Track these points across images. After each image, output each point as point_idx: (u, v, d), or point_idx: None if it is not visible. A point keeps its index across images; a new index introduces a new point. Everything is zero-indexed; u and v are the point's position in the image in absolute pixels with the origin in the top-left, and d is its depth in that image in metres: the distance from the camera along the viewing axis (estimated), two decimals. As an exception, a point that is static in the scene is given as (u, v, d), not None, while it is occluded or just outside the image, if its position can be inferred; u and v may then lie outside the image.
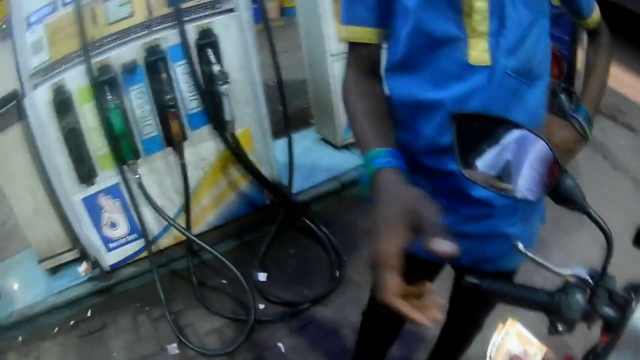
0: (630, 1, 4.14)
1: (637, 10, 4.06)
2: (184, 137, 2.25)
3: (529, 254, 0.81)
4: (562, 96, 2.92)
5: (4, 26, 2.16)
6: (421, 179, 1.05)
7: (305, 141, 3.35)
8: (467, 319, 1.48)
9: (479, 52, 0.92)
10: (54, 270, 2.54)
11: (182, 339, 2.18)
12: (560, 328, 0.75)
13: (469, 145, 0.81)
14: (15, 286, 2.61)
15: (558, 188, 0.71)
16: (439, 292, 0.98)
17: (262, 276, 2.46)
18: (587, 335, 0.85)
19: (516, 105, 0.96)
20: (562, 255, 2.46)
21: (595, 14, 1.11)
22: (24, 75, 2.02)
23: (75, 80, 2.05)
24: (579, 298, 0.75)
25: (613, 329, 0.75)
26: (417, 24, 0.93)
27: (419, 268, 1.29)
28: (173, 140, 2.16)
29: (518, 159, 0.78)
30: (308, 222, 2.63)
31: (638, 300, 0.72)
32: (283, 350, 2.13)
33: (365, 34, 0.97)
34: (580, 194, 0.71)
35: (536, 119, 1.03)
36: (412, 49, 0.96)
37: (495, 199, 1.03)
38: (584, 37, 2.96)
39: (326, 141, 3.32)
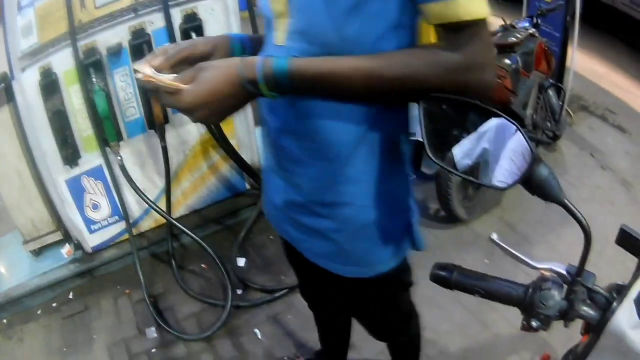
0: (624, 4, 4.15)
1: (631, 13, 4.06)
2: (166, 120, 2.26)
3: (503, 245, 0.81)
4: (550, 92, 2.95)
5: (-2, 8, 2.18)
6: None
7: (288, 127, 3.36)
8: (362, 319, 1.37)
9: (280, 32, 0.87)
10: (38, 252, 2.56)
11: (161, 323, 2.18)
12: (534, 324, 0.73)
13: (438, 129, 0.81)
14: (1, 268, 2.62)
15: (531, 177, 0.68)
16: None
17: (240, 261, 2.46)
18: (570, 336, 0.83)
19: None
20: (545, 252, 2.46)
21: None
22: (13, 58, 2.03)
23: (62, 62, 2.07)
24: (555, 294, 0.72)
25: (593, 329, 0.72)
26: None
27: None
28: (155, 123, 2.17)
29: (494, 145, 0.77)
30: (288, 208, 2.61)
31: (620, 301, 0.69)
32: (259, 337, 2.13)
33: None
34: (556, 184, 0.68)
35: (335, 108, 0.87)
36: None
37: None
38: (576, 35, 2.97)
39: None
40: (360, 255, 1.02)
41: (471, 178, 0.80)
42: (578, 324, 0.78)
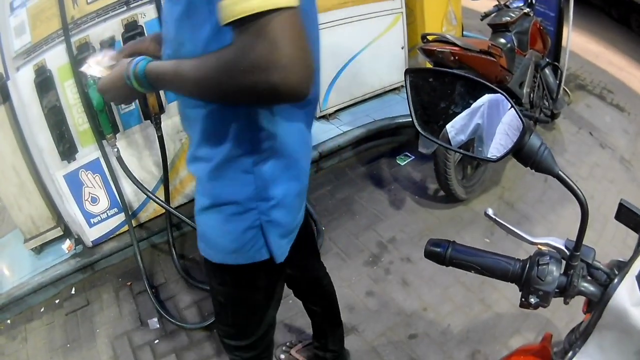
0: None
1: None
2: (162, 110, 2.26)
3: (498, 220, 0.77)
4: (547, 71, 2.94)
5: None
6: None
7: (284, 111, 3.37)
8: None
9: None
10: (39, 250, 2.56)
11: (163, 314, 2.18)
12: (532, 301, 0.70)
13: (425, 102, 0.81)
14: (3, 268, 2.62)
15: (522, 146, 0.66)
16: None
17: (241, 248, 2.45)
18: (573, 316, 0.81)
19: None
20: (546, 231, 2.45)
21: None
22: (7, 58, 2.04)
23: (56, 59, 2.07)
24: (553, 269, 0.69)
25: (595, 306, 0.69)
26: None
27: None
28: (150, 113, 2.17)
29: (488, 121, 0.75)
30: (286, 192, 2.61)
31: (622, 277, 0.66)
32: (262, 321, 2.12)
33: None
34: (549, 156, 0.66)
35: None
36: None
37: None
38: (571, 15, 2.96)
39: (305, 111, 3.35)
40: (205, 233, 1.07)
41: (462, 151, 0.78)
42: (580, 304, 0.76)
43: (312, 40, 0.93)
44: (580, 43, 3.84)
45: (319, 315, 1.69)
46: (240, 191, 0.98)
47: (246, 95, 0.74)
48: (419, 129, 0.78)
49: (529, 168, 0.69)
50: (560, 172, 0.66)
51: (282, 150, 0.98)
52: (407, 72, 0.79)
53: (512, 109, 0.68)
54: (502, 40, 2.53)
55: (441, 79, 0.79)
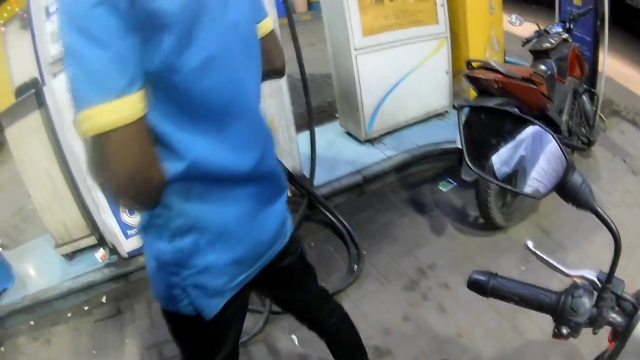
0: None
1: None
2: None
3: (538, 253, 0.80)
4: (584, 97, 2.93)
5: (25, 15, 2.18)
6: None
7: (329, 134, 3.38)
8: None
9: None
10: (71, 256, 2.57)
11: (196, 328, 2.17)
12: (564, 332, 0.73)
13: (476, 138, 0.83)
14: (31, 271, 2.63)
15: (565, 184, 0.69)
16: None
17: (279, 268, 2.45)
18: (599, 343, 0.83)
19: None
20: (579, 258, 2.44)
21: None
22: (43, 64, 2.04)
23: (95, 65, 2.07)
24: (586, 301, 0.71)
25: (620, 335, 0.72)
26: None
27: None
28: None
29: (531, 153, 0.77)
30: (329, 214, 2.62)
31: None
32: (297, 343, 2.12)
33: None
34: (588, 192, 0.69)
35: None
36: None
37: None
38: (606, 39, 2.95)
39: (350, 135, 3.35)
40: (147, 270, 1.04)
41: (509, 187, 0.81)
42: (606, 332, 0.77)
43: (236, 81, 0.92)
44: (613, 66, 3.81)
45: (329, 346, 1.60)
46: (162, 255, 0.96)
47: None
48: (470, 165, 0.80)
49: (567, 197, 0.71)
50: (598, 208, 0.69)
51: (204, 227, 0.94)
52: (459, 107, 0.81)
53: (557, 146, 0.71)
54: (543, 67, 2.52)
55: (492, 116, 0.81)
